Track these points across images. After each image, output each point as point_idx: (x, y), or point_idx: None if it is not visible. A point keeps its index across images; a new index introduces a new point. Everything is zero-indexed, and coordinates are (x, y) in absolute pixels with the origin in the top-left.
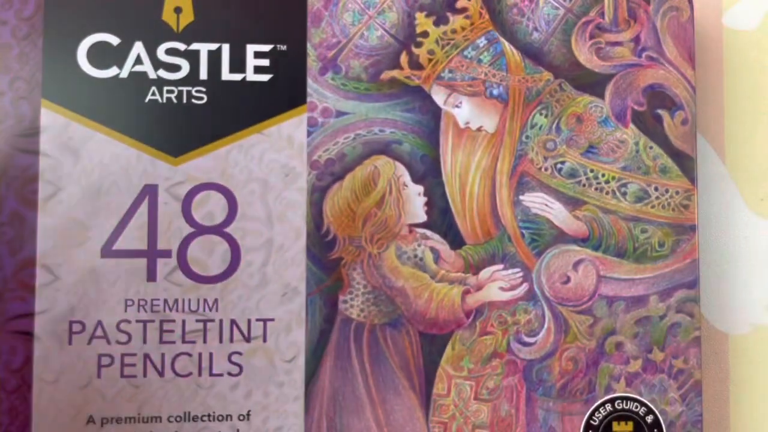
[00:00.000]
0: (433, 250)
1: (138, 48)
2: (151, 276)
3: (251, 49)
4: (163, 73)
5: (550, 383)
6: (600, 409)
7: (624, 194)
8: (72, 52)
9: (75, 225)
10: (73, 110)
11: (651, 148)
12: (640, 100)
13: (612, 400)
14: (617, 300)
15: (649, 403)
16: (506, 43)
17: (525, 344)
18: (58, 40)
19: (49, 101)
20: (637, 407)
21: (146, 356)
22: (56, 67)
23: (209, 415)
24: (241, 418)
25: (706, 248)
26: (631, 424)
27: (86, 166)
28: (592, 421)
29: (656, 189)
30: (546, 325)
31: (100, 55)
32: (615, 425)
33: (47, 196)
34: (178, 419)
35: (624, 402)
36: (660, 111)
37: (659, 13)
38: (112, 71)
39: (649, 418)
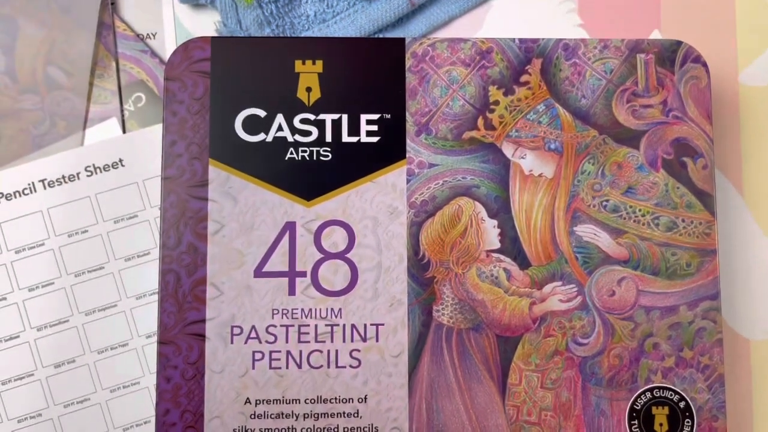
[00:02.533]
0: (505, 270)
1: (279, 119)
2: (291, 291)
3: (364, 117)
4: (298, 138)
5: (601, 375)
6: (641, 397)
7: (657, 225)
8: (231, 123)
9: (235, 253)
10: (232, 166)
11: (678, 188)
12: (669, 150)
13: (651, 389)
14: (653, 309)
15: (681, 392)
16: (560, 108)
17: (580, 344)
18: (221, 114)
19: (214, 160)
20: (671, 395)
21: (288, 352)
22: (220, 134)
23: (336, 398)
24: (360, 400)
25: (730, 268)
26: (667, 408)
27: (242, 208)
28: (635, 406)
29: (683, 221)
30: (596, 329)
31: (252, 124)
32: (654, 409)
33: (214, 231)
34: (312, 401)
35: (661, 391)
36: (684, 159)
37: (682, 81)
38: (261, 136)
39: (682, 404)
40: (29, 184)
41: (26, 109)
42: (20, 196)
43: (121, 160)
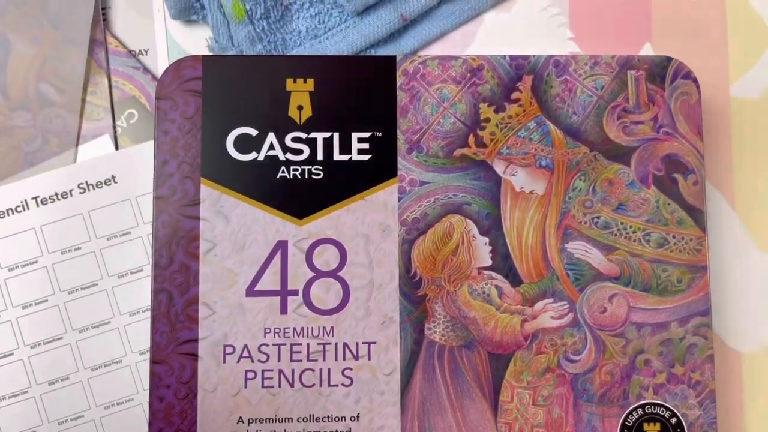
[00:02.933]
0: (497, 287)
1: (271, 137)
2: (283, 310)
3: (355, 136)
4: (290, 156)
5: (593, 392)
6: (633, 413)
7: (648, 241)
8: (222, 142)
9: (226, 272)
10: (224, 185)
11: (669, 204)
12: (659, 166)
13: (643, 406)
14: (645, 325)
15: (673, 408)
16: (551, 125)
17: (571, 361)
18: (212, 133)
19: (206, 179)
20: (663, 411)
21: (280, 371)
22: (211, 153)
23: (328, 417)
24: (353, 419)
25: (722, 281)
26: (658, 425)
27: (234, 227)
28: (627, 423)
29: (674, 237)
30: (588, 346)
31: (243, 143)
32: (645, 426)
33: (206, 251)
34: (305, 420)
35: (652, 407)
36: (675, 175)
37: (673, 98)
38: (252, 155)
39: (673, 420)
40: (22, 202)
41: (18, 126)
42: (13, 213)
43: (113, 177)
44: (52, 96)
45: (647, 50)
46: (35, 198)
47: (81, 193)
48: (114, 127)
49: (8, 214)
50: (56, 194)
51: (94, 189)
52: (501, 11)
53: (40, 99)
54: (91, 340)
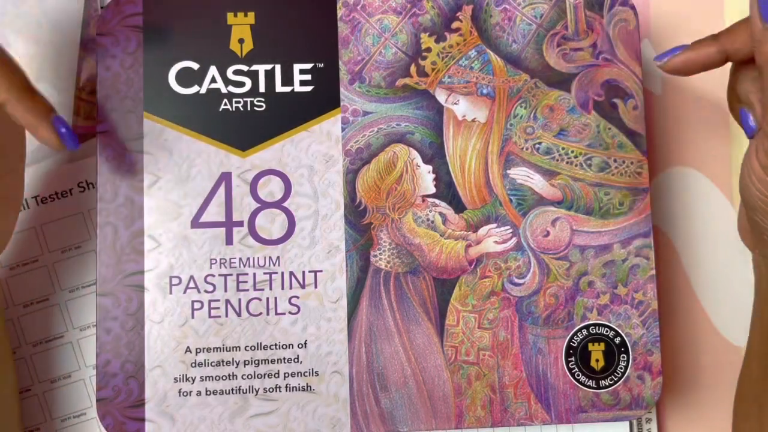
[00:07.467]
0: (441, 214)
1: (213, 71)
2: (229, 241)
3: (297, 67)
4: (232, 89)
5: (537, 314)
6: (578, 334)
7: (589, 165)
8: (164, 76)
9: (171, 204)
10: (167, 119)
11: (609, 129)
12: (599, 92)
13: (587, 327)
14: (588, 248)
15: (616, 328)
16: (492, 53)
17: (516, 284)
18: (154, 68)
19: (149, 113)
20: (607, 331)
21: (227, 301)
22: (153, 88)
23: (276, 344)
24: (300, 346)
25: (720, 276)
26: (603, 344)
27: (177, 161)
28: (572, 343)
29: (615, 161)
30: (532, 269)
31: (185, 77)
32: (590, 346)
33: (150, 184)
34: (252, 348)
35: (597, 327)
36: (615, 100)
37: (611, 24)
38: (194, 89)
39: (617, 340)
40: (22, 201)
41: None
42: None
43: None
44: (50, 96)
45: (646, 47)
46: (35, 197)
47: (81, 191)
48: None
49: None
50: (56, 193)
51: (93, 188)
52: None
53: None
54: (92, 339)
